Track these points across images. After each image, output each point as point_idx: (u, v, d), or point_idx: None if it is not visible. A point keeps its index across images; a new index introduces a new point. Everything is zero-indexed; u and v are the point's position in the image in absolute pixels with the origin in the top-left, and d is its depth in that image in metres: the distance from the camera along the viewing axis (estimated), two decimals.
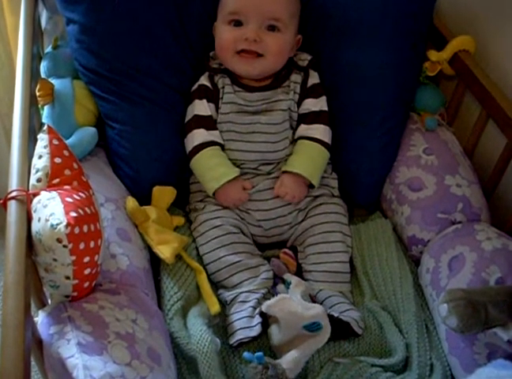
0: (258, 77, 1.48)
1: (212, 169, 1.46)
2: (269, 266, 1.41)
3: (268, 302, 1.26)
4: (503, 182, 1.50)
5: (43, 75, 1.52)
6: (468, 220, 1.43)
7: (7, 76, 1.91)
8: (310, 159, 1.48)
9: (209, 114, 1.48)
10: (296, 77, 1.51)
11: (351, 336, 1.31)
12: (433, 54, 1.55)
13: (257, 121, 1.47)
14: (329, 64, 1.54)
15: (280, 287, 1.36)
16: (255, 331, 1.27)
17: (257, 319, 1.29)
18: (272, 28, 1.42)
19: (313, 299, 1.33)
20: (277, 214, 1.48)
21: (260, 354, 1.19)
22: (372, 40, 1.50)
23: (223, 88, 1.49)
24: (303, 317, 1.22)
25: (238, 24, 1.43)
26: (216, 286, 1.41)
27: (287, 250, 1.45)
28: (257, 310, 1.30)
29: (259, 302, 1.32)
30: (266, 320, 1.29)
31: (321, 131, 1.50)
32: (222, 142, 1.48)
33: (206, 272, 1.39)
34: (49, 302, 1.15)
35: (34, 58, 1.44)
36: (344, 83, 1.54)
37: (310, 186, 1.49)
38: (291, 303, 1.25)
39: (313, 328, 1.23)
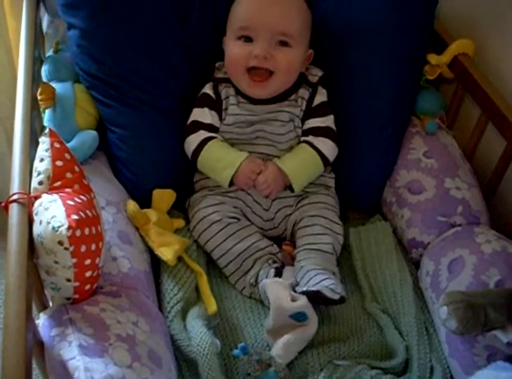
0: (269, 97, 1.48)
1: (222, 158, 1.46)
2: (272, 243, 1.45)
3: (265, 280, 1.30)
4: (503, 185, 1.51)
5: (44, 79, 1.52)
6: (468, 223, 1.43)
7: (8, 80, 1.92)
8: (302, 163, 1.48)
9: (209, 122, 1.49)
10: (304, 93, 1.50)
11: (329, 304, 1.30)
12: (433, 58, 1.55)
13: (261, 129, 1.48)
14: (329, 70, 1.53)
15: (289, 268, 1.39)
16: (271, 273, 1.34)
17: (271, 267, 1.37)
18: (283, 44, 1.41)
19: None
20: (268, 207, 1.49)
21: (242, 344, 1.22)
22: (373, 46, 1.51)
23: (227, 98, 1.49)
24: (289, 306, 1.25)
25: (248, 39, 1.41)
26: (228, 279, 1.43)
27: (287, 242, 1.48)
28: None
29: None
30: None
31: (327, 146, 1.50)
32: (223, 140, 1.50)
33: (207, 274, 1.40)
34: (50, 304, 1.15)
35: (35, 61, 1.44)
36: (345, 88, 1.54)
37: (290, 189, 1.48)
38: (281, 289, 1.27)
39: (299, 318, 1.25)
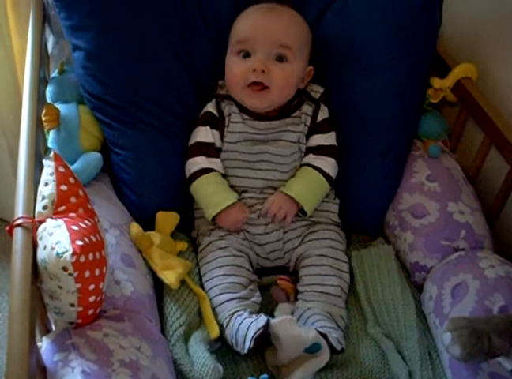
0: (266, 110, 1.49)
1: (209, 196, 1.47)
2: (260, 294, 1.40)
3: (272, 321, 1.26)
4: (506, 209, 1.51)
5: (48, 100, 1.53)
6: (471, 247, 1.43)
7: (12, 96, 1.94)
8: (308, 186, 1.48)
9: (212, 141, 1.49)
10: (308, 109, 1.51)
11: (332, 353, 1.27)
12: (436, 82, 1.56)
13: (266, 150, 1.48)
14: (332, 92, 1.54)
15: (284, 305, 1.37)
16: (262, 320, 1.25)
17: (261, 315, 1.28)
18: (280, 59, 1.42)
19: None
20: (275, 238, 1.48)
21: (265, 376, 1.19)
22: (375, 68, 1.51)
23: (229, 115, 1.50)
24: (305, 340, 1.23)
25: (246, 55, 1.43)
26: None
27: (283, 276, 1.45)
28: (255, 315, 1.30)
29: (252, 312, 1.32)
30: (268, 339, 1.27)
31: (328, 163, 1.50)
32: (221, 171, 1.49)
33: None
34: (53, 328, 1.15)
35: (41, 82, 1.45)
36: (347, 111, 1.54)
37: (303, 212, 1.49)
38: (295, 326, 1.25)
39: (313, 349, 1.24)
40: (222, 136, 1.50)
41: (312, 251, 1.46)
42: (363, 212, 1.59)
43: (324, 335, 1.25)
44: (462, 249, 1.43)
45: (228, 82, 1.49)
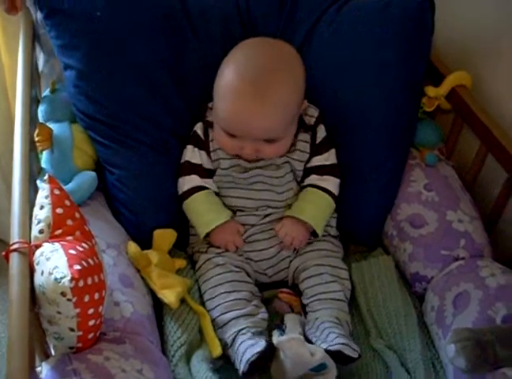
0: None
1: (202, 214, 1.46)
2: (265, 310, 1.38)
3: (280, 338, 1.25)
4: (505, 216, 1.50)
5: (40, 119, 1.51)
6: (471, 256, 1.42)
7: (2, 115, 1.92)
8: (318, 208, 1.48)
9: (199, 162, 1.48)
10: (304, 136, 1.49)
11: (348, 362, 1.27)
12: (430, 90, 1.55)
13: (258, 173, 1.46)
14: (328, 106, 1.53)
15: (290, 315, 1.36)
16: (260, 345, 1.24)
17: (261, 339, 1.27)
18: (269, 141, 1.39)
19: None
20: (271, 254, 1.47)
21: None
22: (369, 80, 1.51)
23: (212, 140, 1.48)
24: (311, 360, 1.21)
25: (233, 135, 1.40)
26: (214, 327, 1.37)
27: (284, 289, 1.44)
28: (259, 337, 1.29)
29: (259, 333, 1.31)
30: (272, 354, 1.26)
31: (332, 183, 1.50)
32: (215, 189, 1.48)
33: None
34: (52, 352, 1.13)
35: (33, 101, 1.44)
36: (343, 124, 1.53)
37: (314, 234, 1.48)
38: (302, 345, 1.24)
39: (319, 369, 1.22)
40: (210, 158, 1.48)
41: (309, 262, 1.45)
42: (361, 222, 1.58)
43: (338, 352, 1.24)
44: (462, 258, 1.42)
45: (220, 146, 1.46)
